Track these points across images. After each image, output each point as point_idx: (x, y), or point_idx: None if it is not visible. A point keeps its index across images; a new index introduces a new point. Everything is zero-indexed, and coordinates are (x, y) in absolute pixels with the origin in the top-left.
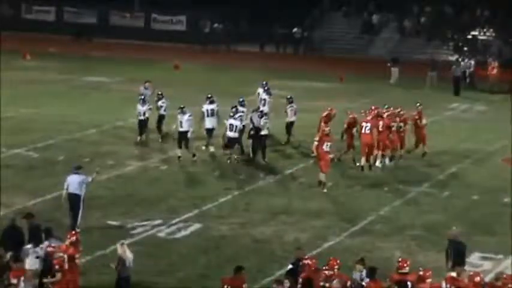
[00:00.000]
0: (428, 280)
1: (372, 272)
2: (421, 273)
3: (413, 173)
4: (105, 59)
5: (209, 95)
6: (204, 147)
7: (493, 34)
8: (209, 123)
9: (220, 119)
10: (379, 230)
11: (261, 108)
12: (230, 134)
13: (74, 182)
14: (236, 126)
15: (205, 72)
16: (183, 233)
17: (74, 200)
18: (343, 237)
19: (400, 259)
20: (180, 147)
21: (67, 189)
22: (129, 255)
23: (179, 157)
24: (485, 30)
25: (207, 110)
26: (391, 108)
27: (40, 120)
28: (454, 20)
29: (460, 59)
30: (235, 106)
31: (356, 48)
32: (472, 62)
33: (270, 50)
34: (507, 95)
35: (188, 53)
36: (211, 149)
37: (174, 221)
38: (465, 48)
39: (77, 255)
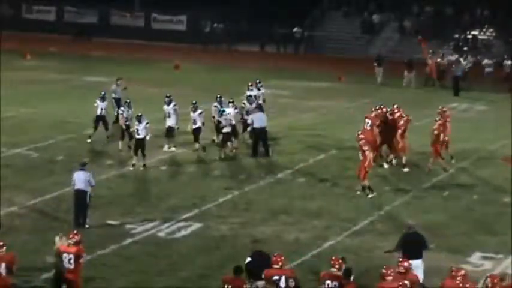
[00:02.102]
0: (389, 278)
1: (347, 274)
2: (383, 271)
3: (413, 173)
4: (105, 59)
5: (168, 95)
6: (173, 148)
7: (493, 34)
8: (172, 122)
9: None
10: (380, 230)
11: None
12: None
13: (80, 179)
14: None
15: (206, 72)
16: (183, 232)
17: (81, 196)
18: (343, 237)
19: (400, 259)
20: (136, 154)
21: (73, 185)
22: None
23: (133, 164)
24: (485, 30)
25: (168, 112)
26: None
27: (40, 120)
28: (454, 20)
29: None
30: (220, 97)
31: (356, 48)
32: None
33: (270, 50)
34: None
35: (188, 53)
36: (173, 148)
37: (174, 221)
38: (465, 48)
39: (83, 255)
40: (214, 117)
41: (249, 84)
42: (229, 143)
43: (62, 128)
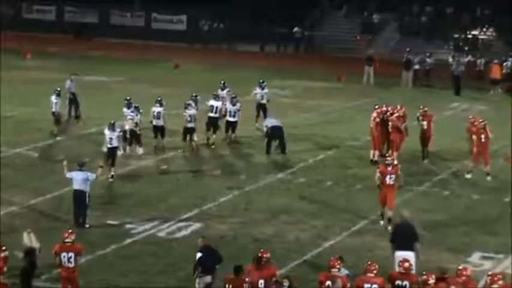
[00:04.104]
0: (371, 274)
1: (236, 271)
2: (368, 266)
3: (413, 173)
4: (105, 59)
5: (128, 98)
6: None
7: (493, 34)
8: (129, 124)
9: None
10: (380, 230)
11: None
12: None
13: (78, 179)
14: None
15: (206, 72)
16: (184, 232)
17: (79, 196)
18: (343, 236)
19: (401, 259)
20: (112, 164)
21: (72, 185)
22: (34, 245)
23: (112, 175)
24: (485, 30)
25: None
26: (398, 107)
27: (40, 120)
28: (454, 20)
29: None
30: (196, 96)
31: (356, 48)
32: (429, 60)
33: (270, 49)
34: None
35: (188, 53)
36: (128, 151)
37: (174, 221)
38: (466, 48)
39: (83, 252)
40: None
41: (222, 82)
42: (194, 137)
43: (62, 128)
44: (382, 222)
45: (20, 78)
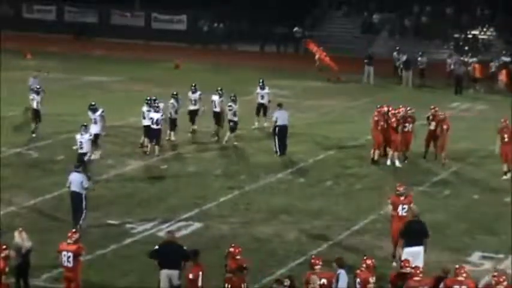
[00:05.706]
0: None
1: (195, 255)
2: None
3: (413, 173)
4: (105, 59)
5: (93, 103)
6: (99, 154)
7: (493, 34)
8: (94, 129)
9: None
10: (380, 230)
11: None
12: (153, 126)
13: (74, 180)
14: (157, 119)
15: (206, 72)
16: (184, 232)
17: (76, 198)
18: (343, 236)
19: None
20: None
21: (69, 187)
22: (26, 244)
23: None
24: (485, 29)
25: (94, 119)
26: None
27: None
28: (454, 20)
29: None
30: (176, 94)
31: (356, 48)
32: (421, 59)
33: (270, 49)
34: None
35: (189, 53)
36: (98, 155)
37: (174, 221)
38: (466, 48)
39: (83, 253)
40: (170, 114)
41: (193, 84)
42: (172, 133)
43: (62, 128)
44: (394, 263)
45: (20, 78)
